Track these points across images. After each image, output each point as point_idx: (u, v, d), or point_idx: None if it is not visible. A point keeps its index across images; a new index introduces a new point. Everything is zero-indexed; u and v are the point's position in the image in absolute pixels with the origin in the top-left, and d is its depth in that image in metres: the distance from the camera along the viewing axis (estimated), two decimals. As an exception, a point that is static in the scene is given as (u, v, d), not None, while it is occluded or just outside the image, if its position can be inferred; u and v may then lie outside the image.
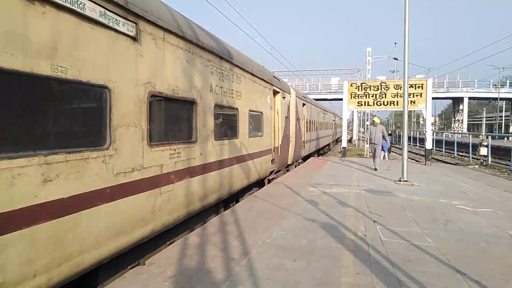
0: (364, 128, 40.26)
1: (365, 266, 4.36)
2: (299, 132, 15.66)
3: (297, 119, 15.21)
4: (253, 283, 3.84)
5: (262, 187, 10.41)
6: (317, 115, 23.29)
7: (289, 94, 13.89)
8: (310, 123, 19.68)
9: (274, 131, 11.44)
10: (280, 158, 12.15)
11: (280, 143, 12.05)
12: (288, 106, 13.53)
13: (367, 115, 37.79)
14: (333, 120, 40.17)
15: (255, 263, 4.41)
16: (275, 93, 11.66)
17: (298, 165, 16.51)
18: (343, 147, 20.25)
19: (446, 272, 4.22)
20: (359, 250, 4.93)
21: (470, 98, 58.76)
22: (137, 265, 4.53)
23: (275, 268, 4.27)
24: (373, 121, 14.60)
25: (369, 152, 15.25)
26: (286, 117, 12.94)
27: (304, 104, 17.54)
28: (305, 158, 19.02)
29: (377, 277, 4.03)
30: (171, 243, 5.30)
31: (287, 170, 14.66)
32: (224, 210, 7.48)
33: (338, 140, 48.75)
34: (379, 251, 4.88)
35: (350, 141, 45.08)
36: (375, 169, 13.76)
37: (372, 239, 5.39)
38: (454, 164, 20.29)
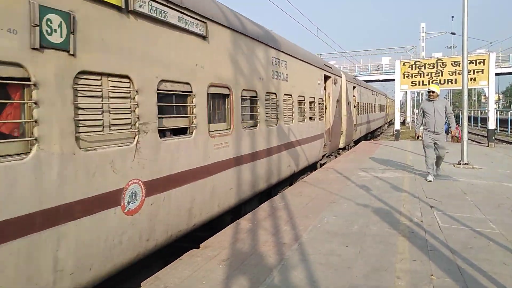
0: (418, 110, 37.45)
1: (421, 252, 4.20)
2: (350, 115, 16.22)
3: (348, 103, 15.54)
4: (305, 268, 3.86)
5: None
6: (367, 97, 22.88)
7: (340, 77, 14.13)
8: (361, 106, 19.83)
9: (325, 115, 12.08)
10: (331, 142, 12.73)
11: (331, 126, 12.59)
12: (340, 90, 13.96)
13: (422, 95, 35.77)
14: (385, 101, 36.52)
15: (307, 248, 4.42)
16: (326, 78, 12.09)
17: (350, 148, 16.51)
18: (395, 130, 19.47)
19: (513, 261, 3.93)
20: (415, 236, 4.75)
21: (540, 72, 53.28)
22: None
23: (327, 253, 4.25)
24: (430, 92, 8.34)
25: (424, 147, 8.43)
26: (337, 100, 13.52)
27: (354, 87, 17.70)
28: (356, 142, 18.95)
29: (435, 264, 3.87)
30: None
31: (339, 154, 14.53)
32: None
33: (391, 123, 45.98)
34: (437, 238, 4.67)
35: (403, 123, 43.05)
36: (429, 180, 8.19)
37: (429, 225, 5.16)
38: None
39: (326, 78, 12.25)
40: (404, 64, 17.56)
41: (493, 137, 16.08)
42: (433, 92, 8.29)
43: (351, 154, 13.79)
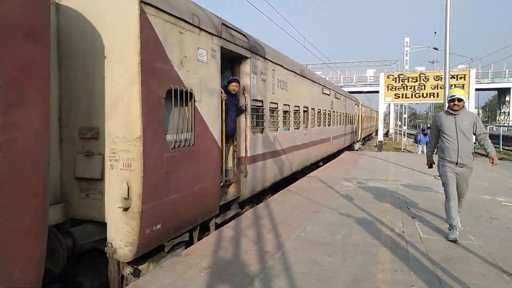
0: (401, 122, 37.68)
1: (403, 263, 4.24)
2: (205, 140, 5.13)
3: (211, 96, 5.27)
4: (287, 277, 3.83)
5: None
6: (315, 99, 12.28)
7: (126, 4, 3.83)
8: (286, 114, 9.30)
9: None
10: None
11: None
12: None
13: (404, 108, 36.46)
14: (357, 110, 24.69)
15: (289, 257, 4.40)
16: None
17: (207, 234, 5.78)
18: (379, 141, 19.80)
19: (491, 272, 4.01)
20: (396, 246, 4.79)
21: (517, 89, 55.22)
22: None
23: (309, 262, 4.24)
24: (454, 100, 5.14)
25: (443, 185, 5.32)
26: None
27: (258, 70, 7.17)
28: (274, 190, 8.80)
29: (416, 275, 3.90)
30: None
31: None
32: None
33: (368, 139, 38.88)
34: (418, 248, 4.72)
35: (386, 134, 43.72)
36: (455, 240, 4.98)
37: (410, 236, 5.22)
38: (500, 159, 19.23)
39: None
40: (388, 76, 17.95)
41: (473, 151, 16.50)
42: (459, 100, 5.11)
43: (335, 164, 13.89)
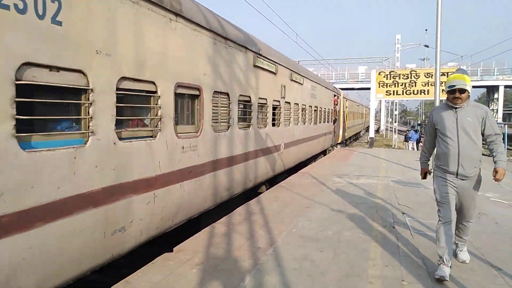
0: (392, 118, 37.84)
1: (393, 258, 4.27)
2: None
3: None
4: (279, 273, 3.84)
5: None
6: (224, 73, 5.99)
7: None
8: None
9: None
10: None
11: None
12: None
13: (395, 105, 36.72)
14: (332, 102, 18.10)
15: (281, 253, 4.40)
16: None
17: None
18: (370, 138, 19.94)
19: (480, 267, 4.06)
20: (387, 242, 4.83)
21: (506, 87, 56.00)
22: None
23: (301, 258, 4.25)
24: (451, 91, 3.88)
25: (437, 203, 3.94)
26: None
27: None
28: None
29: (406, 270, 3.94)
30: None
31: None
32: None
33: (355, 137, 34.75)
34: (408, 244, 4.76)
35: (377, 131, 44.03)
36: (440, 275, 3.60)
37: (401, 231, 5.27)
38: (488, 156, 19.53)
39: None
40: (379, 73, 18.04)
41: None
42: (461, 92, 3.85)
43: (326, 160, 13.95)
